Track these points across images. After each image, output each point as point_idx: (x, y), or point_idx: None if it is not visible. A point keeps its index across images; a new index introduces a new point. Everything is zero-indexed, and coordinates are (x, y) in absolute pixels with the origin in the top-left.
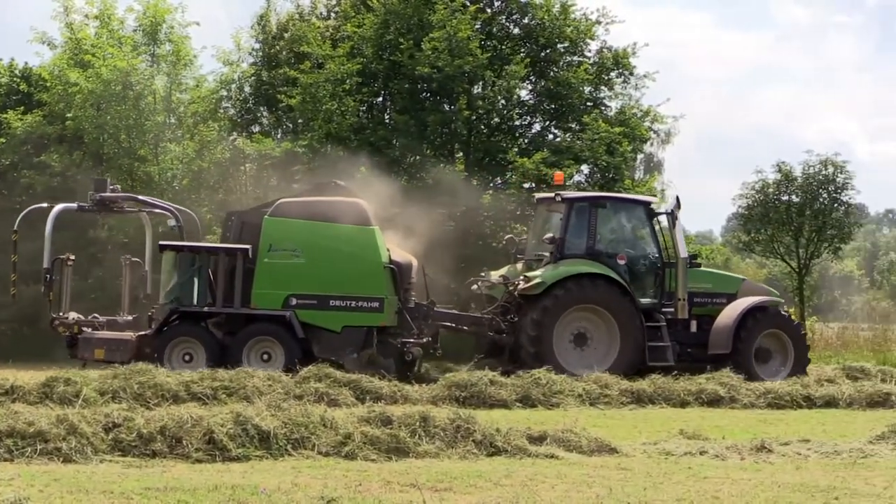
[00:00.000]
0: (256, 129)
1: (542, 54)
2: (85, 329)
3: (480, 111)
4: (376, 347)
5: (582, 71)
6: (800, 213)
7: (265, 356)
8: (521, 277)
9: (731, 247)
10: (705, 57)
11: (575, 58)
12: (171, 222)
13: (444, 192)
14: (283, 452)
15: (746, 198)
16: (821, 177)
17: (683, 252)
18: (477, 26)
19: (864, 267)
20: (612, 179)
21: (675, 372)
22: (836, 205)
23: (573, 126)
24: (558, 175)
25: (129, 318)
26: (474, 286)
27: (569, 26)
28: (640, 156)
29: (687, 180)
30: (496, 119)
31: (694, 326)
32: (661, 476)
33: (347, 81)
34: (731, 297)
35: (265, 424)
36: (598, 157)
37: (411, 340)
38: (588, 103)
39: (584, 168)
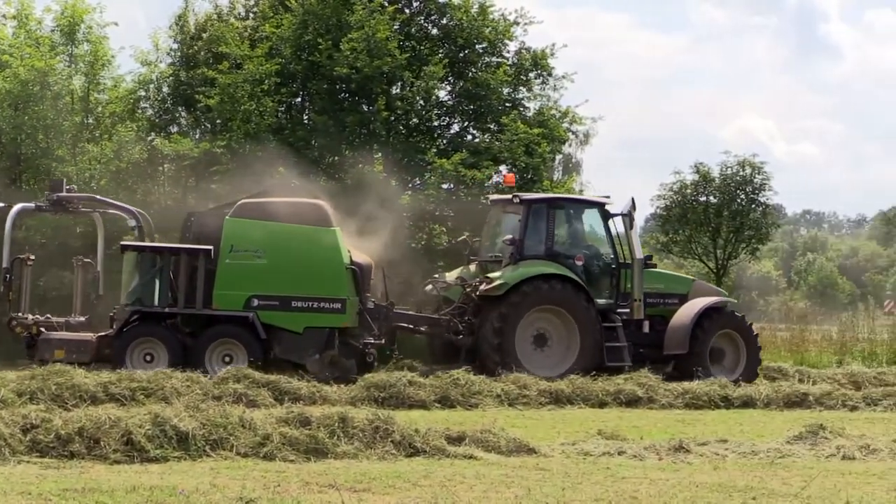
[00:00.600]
0: (174, 129)
1: (461, 55)
2: (44, 330)
3: (399, 112)
4: (338, 349)
5: (500, 72)
6: (717, 214)
7: (227, 358)
8: (478, 279)
9: (649, 247)
10: (624, 58)
11: (493, 58)
12: (131, 223)
13: (363, 192)
14: (202, 453)
15: (664, 199)
16: (738, 178)
17: (639, 253)
18: (395, 27)
19: (781, 267)
20: (531, 180)
21: (594, 373)
22: (753, 205)
23: (492, 127)
24: (509, 176)
25: (82, 318)
26: (428, 287)
27: (487, 27)
28: (558, 157)
29: (606, 181)
30: (415, 120)
31: (646, 327)
32: (580, 476)
33: (266, 82)
34: (683, 298)
35: (183, 425)
36: (517, 158)
37: (372, 341)
38: (506, 104)
39: (503, 169)
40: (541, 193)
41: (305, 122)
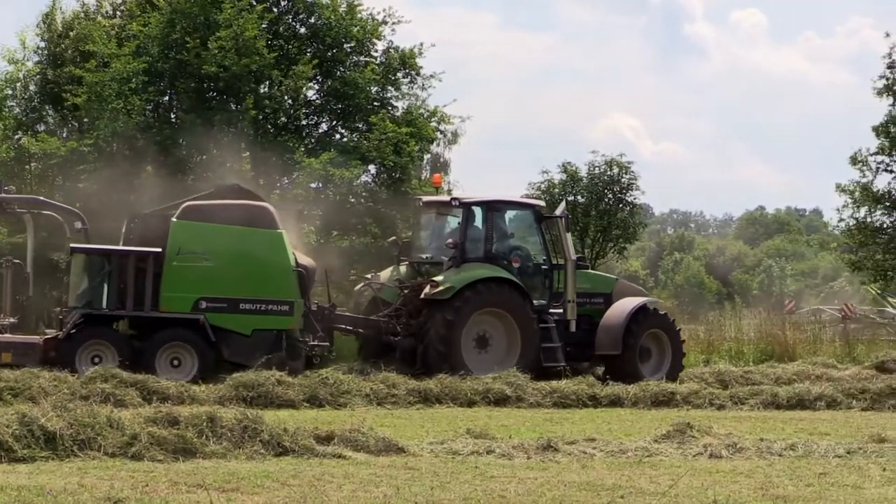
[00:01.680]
0: (42, 128)
1: (329, 54)
2: None
3: (267, 111)
4: (285, 351)
5: (369, 71)
6: (585, 214)
7: (175, 361)
8: (413, 281)
9: None
10: (491, 58)
11: (362, 58)
12: (77, 225)
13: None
14: (70, 453)
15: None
16: (606, 177)
17: (573, 254)
18: (264, 25)
19: (648, 266)
20: (399, 179)
21: (463, 372)
22: (621, 205)
23: (360, 126)
24: (437, 177)
25: (13, 320)
26: (359, 286)
27: (355, 26)
28: (427, 156)
29: (474, 181)
30: (283, 119)
31: (573, 326)
32: (448, 475)
33: (133, 80)
34: (608, 297)
35: (51, 425)
36: (385, 157)
37: (317, 343)
38: (375, 103)
39: (371, 168)
40: (479, 196)
41: (173, 120)
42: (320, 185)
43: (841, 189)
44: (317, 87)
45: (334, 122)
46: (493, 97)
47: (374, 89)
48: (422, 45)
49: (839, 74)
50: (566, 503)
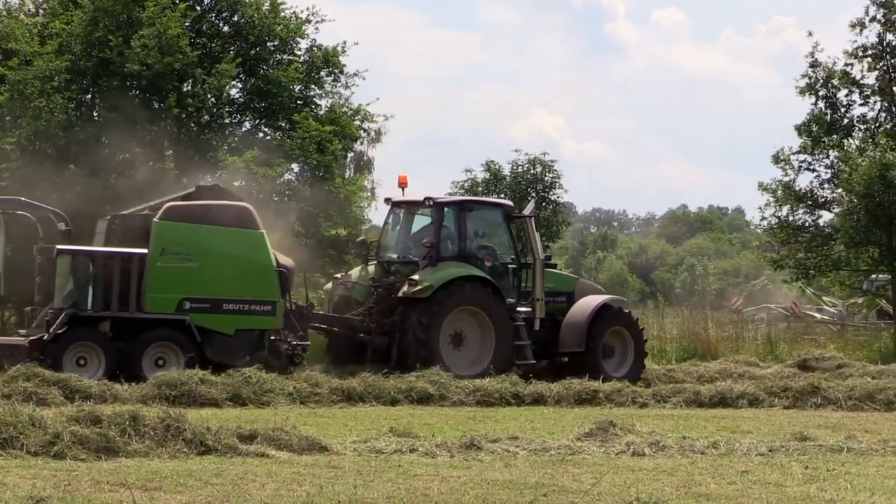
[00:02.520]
0: None
1: (253, 52)
2: None
3: (190, 109)
4: (267, 350)
5: (292, 69)
6: None
7: (160, 361)
8: (387, 280)
9: None
10: (416, 56)
11: (285, 56)
12: (61, 226)
13: (154, 190)
14: None
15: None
16: (529, 176)
17: (541, 253)
18: (187, 24)
19: (571, 265)
20: (323, 178)
21: (386, 370)
22: (544, 203)
23: (283, 125)
24: (403, 177)
25: None
26: (328, 285)
27: (279, 24)
28: (350, 154)
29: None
30: (206, 117)
31: (537, 324)
32: (372, 474)
33: (56, 78)
34: (570, 296)
35: None
36: (309, 156)
37: (298, 342)
38: (298, 102)
39: (295, 166)
40: (451, 196)
41: (96, 118)
42: (243, 183)
43: (763, 188)
44: (240, 85)
45: (258, 121)
46: (417, 96)
47: (297, 88)
48: (345, 43)
49: (762, 73)
50: (489, 501)
